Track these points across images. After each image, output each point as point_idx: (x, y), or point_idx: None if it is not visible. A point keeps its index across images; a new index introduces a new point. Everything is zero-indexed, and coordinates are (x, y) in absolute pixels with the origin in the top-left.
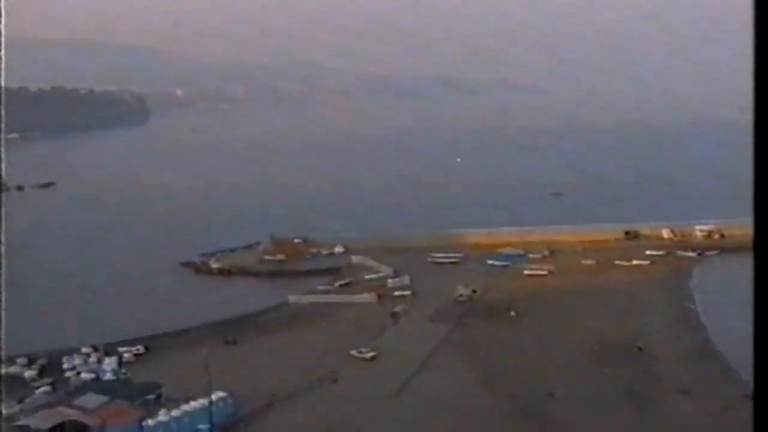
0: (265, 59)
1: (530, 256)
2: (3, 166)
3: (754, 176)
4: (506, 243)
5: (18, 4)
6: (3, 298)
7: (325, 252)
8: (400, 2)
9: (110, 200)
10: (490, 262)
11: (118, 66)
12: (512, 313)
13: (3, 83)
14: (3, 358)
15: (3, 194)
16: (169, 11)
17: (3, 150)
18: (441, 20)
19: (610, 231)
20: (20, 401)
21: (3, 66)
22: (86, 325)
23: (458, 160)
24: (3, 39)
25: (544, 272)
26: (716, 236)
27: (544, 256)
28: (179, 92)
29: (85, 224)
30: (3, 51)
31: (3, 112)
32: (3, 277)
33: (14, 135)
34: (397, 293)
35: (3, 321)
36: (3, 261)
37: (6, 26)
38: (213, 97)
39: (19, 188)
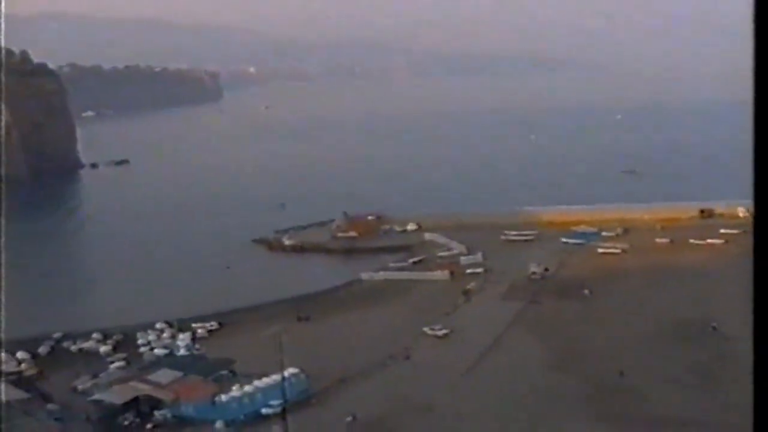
0: (338, 38)
1: (604, 234)
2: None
3: (755, 176)
4: (580, 221)
5: None
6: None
7: (397, 229)
8: None
9: (183, 177)
10: (563, 240)
11: (192, 44)
12: (585, 292)
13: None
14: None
15: (79, 171)
16: None
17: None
18: None
19: (684, 209)
20: (95, 376)
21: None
22: (160, 301)
23: (532, 137)
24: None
25: (618, 250)
26: None
27: (617, 235)
28: (252, 70)
29: (159, 201)
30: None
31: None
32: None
33: (89, 113)
34: (469, 271)
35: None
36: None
37: (80, 6)
38: (286, 74)
39: (94, 166)
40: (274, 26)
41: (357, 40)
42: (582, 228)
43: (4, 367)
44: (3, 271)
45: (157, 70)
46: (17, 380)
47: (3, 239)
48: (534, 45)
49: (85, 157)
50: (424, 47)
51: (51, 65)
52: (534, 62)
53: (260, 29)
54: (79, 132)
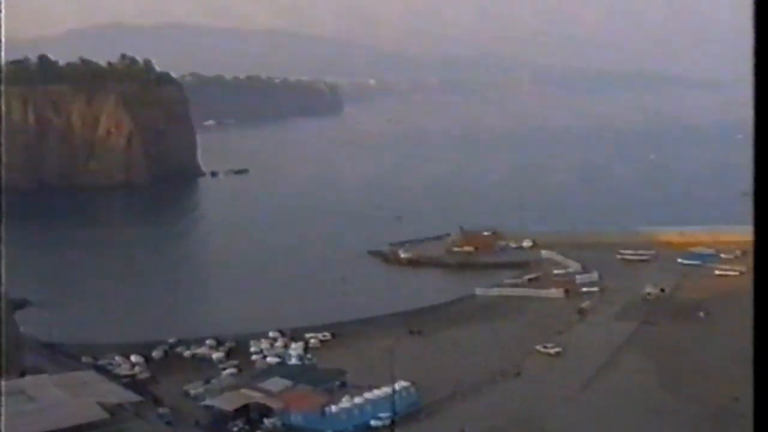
0: (457, 50)
1: (722, 256)
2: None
3: (754, 177)
4: (697, 242)
5: None
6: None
7: (513, 245)
8: None
9: (302, 188)
10: (680, 261)
11: (313, 56)
12: (701, 314)
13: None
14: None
15: (199, 179)
16: (363, 2)
17: None
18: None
19: None
20: (207, 382)
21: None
22: (274, 309)
23: (652, 156)
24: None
25: (736, 273)
26: None
27: (736, 257)
28: (372, 82)
29: (276, 211)
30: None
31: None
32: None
33: (210, 122)
34: (584, 289)
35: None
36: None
37: (203, 16)
38: (406, 88)
39: (214, 174)
40: (395, 39)
41: (478, 54)
42: (699, 249)
43: (118, 370)
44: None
45: (278, 81)
46: (130, 383)
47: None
48: (657, 62)
49: (205, 165)
50: (547, 62)
51: (174, 74)
52: (656, 79)
53: (381, 42)
54: (199, 140)
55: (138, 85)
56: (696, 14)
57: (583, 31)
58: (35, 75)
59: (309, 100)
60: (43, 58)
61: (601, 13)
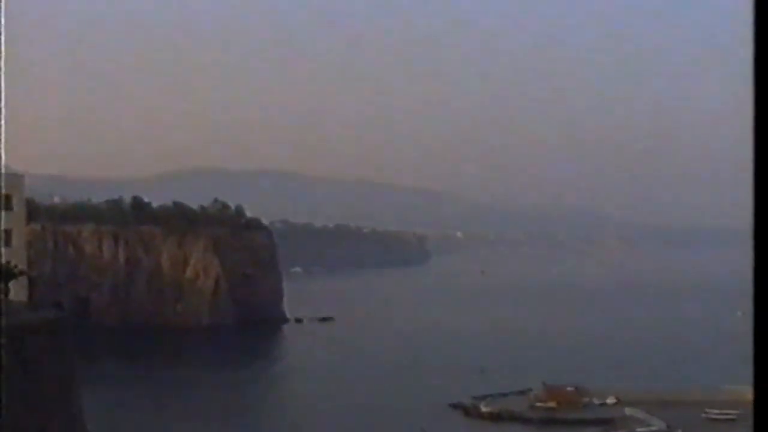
0: (544, 204)
1: None
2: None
3: (755, 178)
4: None
5: (309, 147)
6: None
7: (597, 402)
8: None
9: (386, 338)
10: None
11: (401, 206)
12: None
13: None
14: None
15: (283, 325)
16: (454, 156)
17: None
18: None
19: None
20: None
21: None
22: None
23: (739, 314)
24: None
25: None
26: None
27: None
28: (459, 234)
29: (359, 360)
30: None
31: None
32: None
33: (297, 269)
34: None
35: None
36: None
37: (297, 164)
38: (492, 240)
39: (298, 320)
40: (481, 191)
41: (565, 208)
42: None
43: None
44: None
45: (366, 230)
46: None
47: None
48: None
49: (290, 312)
50: (637, 219)
51: (264, 220)
52: (742, 235)
53: (467, 194)
54: (286, 286)
55: (228, 230)
56: None
57: (672, 189)
58: (128, 215)
59: (396, 251)
60: (136, 199)
61: (685, 172)
